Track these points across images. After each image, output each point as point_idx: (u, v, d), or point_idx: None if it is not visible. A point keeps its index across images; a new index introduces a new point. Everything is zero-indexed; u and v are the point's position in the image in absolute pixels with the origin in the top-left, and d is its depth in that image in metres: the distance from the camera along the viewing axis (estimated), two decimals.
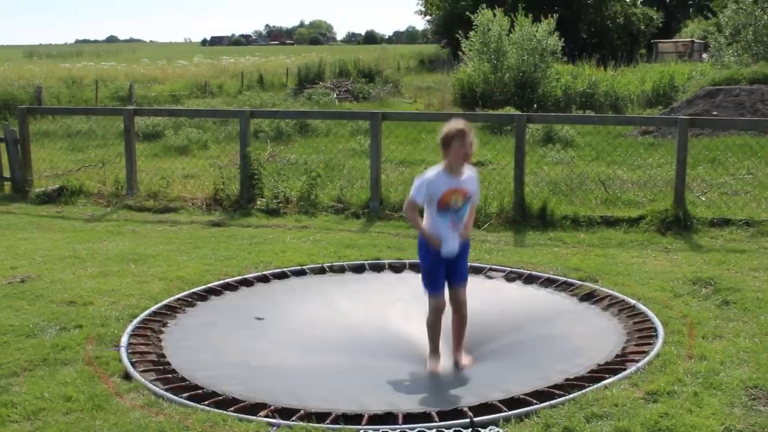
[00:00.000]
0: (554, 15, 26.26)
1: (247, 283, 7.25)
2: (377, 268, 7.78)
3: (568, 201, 10.43)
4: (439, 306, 5.44)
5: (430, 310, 5.45)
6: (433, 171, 5.33)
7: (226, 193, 10.99)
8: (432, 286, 5.45)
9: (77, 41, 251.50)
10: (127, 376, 5.12)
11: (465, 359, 5.44)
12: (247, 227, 9.70)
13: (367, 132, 14.59)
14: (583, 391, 4.76)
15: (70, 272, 7.55)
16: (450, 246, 5.32)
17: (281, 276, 7.47)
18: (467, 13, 28.94)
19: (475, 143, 5.33)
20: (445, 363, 5.41)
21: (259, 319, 6.36)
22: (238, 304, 6.72)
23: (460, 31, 28.81)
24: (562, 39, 26.57)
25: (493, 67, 25.80)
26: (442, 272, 5.42)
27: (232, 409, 4.62)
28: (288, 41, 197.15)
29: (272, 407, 4.63)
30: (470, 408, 4.58)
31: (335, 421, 4.45)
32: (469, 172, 5.40)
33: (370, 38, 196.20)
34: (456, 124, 5.32)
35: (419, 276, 6.98)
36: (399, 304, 6.71)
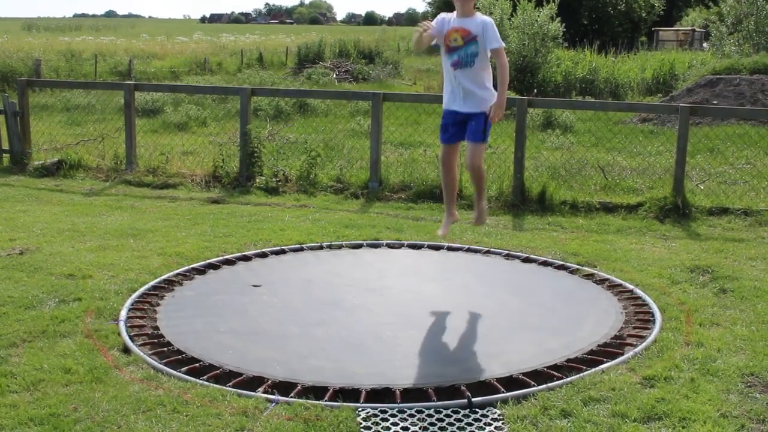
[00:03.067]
0: (556, 0, 26.19)
1: (246, 259, 7.26)
2: (375, 248, 7.80)
3: (567, 186, 10.44)
4: (444, 157, 5.88)
5: (440, 158, 5.96)
6: (441, 16, 5.75)
7: (226, 171, 10.98)
8: (442, 135, 5.90)
9: (76, 15, 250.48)
10: (125, 350, 5.13)
11: (480, 216, 6.14)
12: (246, 205, 9.70)
13: (367, 113, 14.60)
14: (581, 374, 4.79)
15: (69, 245, 7.55)
16: (457, 99, 5.71)
17: (280, 253, 7.49)
18: None
19: None
20: (442, 339, 5.41)
21: (256, 286, 6.40)
22: (236, 277, 6.73)
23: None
24: (564, 24, 26.49)
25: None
26: (454, 128, 5.78)
27: (230, 384, 4.64)
28: (288, 20, 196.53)
29: (270, 381, 4.64)
30: (468, 386, 4.60)
31: (333, 397, 4.47)
32: (481, 17, 5.66)
33: (370, 19, 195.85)
34: None
35: (417, 253, 7.08)
36: (396, 276, 6.79)
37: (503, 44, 5.80)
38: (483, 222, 6.58)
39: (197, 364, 4.92)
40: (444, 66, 5.73)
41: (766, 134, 15.16)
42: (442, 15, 5.78)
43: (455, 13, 5.75)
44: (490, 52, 5.79)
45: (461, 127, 5.79)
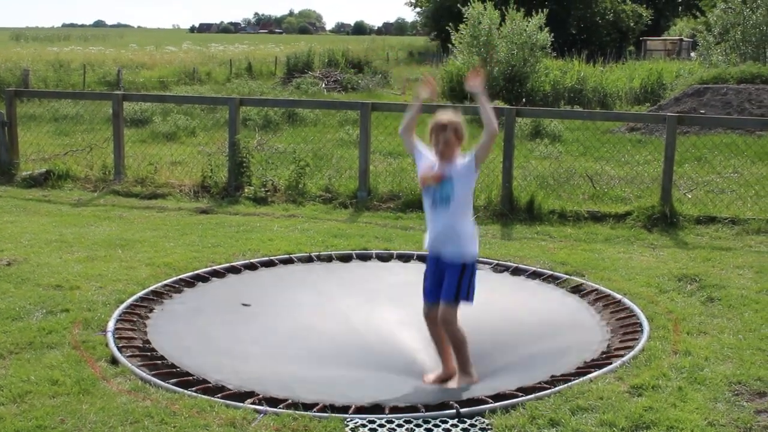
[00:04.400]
0: (544, 10, 26.30)
1: (235, 270, 7.25)
2: (364, 258, 7.80)
3: (555, 195, 10.47)
4: (425, 313, 5.17)
5: None
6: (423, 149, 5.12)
7: (214, 181, 10.97)
8: (423, 291, 5.20)
9: (64, 25, 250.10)
10: (113, 361, 5.12)
11: (459, 381, 5.10)
12: (235, 215, 9.69)
13: (356, 122, 14.59)
14: (569, 384, 4.79)
15: (56, 256, 7.53)
16: (435, 238, 5.05)
17: (269, 264, 7.48)
18: (458, 5, 28.92)
19: (459, 136, 5.02)
20: (431, 364, 5.39)
21: (245, 305, 6.36)
22: (226, 291, 6.71)
23: (450, 24, 28.78)
24: (552, 34, 26.60)
25: (483, 61, 25.78)
26: (428, 280, 5.15)
27: (219, 395, 4.63)
28: (277, 30, 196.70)
29: (260, 395, 4.64)
30: (456, 402, 4.59)
31: (322, 410, 4.46)
32: (460, 160, 5.04)
33: (360, 29, 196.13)
34: (438, 116, 5.07)
35: (406, 266, 6.99)
36: (386, 293, 6.75)
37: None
38: (451, 378, 5.20)
39: (186, 376, 4.90)
40: (424, 203, 5.14)
41: (753, 143, 15.24)
42: (423, 148, 5.13)
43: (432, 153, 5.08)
44: (477, 161, 5.09)
45: (434, 281, 5.10)
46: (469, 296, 5.05)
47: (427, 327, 5.19)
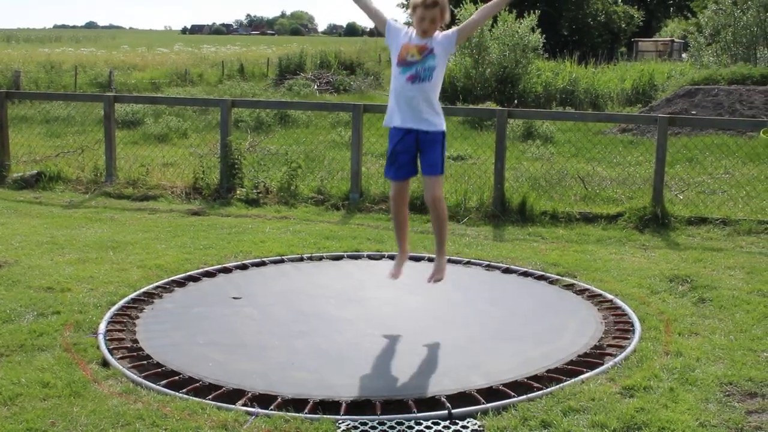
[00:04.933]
0: (536, 11, 26.35)
1: (227, 272, 7.24)
2: (356, 259, 7.80)
3: (547, 197, 10.48)
4: (395, 191, 5.25)
5: (390, 198, 5.31)
6: (401, 25, 5.22)
7: (206, 182, 10.96)
8: (391, 170, 5.28)
9: (56, 26, 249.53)
10: (104, 363, 5.10)
11: (439, 270, 5.32)
12: (227, 217, 9.68)
13: (348, 124, 14.61)
14: (561, 385, 4.79)
15: (48, 258, 7.51)
16: (414, 115, 5.10)
17: (260, 265, 7.47)
18: (450, 7, 28.94)
19: (443, 16, 5.09)
20: (422, 348, 5.41)
21: (235, 298, 6.38)
22: (217, 292, 6.70)
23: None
24: (544, 35, 26.66)
25: (475, 62, 25.84)
26: (405, 157, 5.18)
27: (210, 397, 4.61)
28: (269, 31, 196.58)
29: (250, 394, 4.63)
30: (448, 397, 4.60)
31: (313, 410, 4.46)
32: (441, 33, 5.15)
33: (352, 30, 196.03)
34: None
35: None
36: (376, 288, 6.77)
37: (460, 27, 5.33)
38: (442, 278, 5.61)
39: (177, 377, 4.89)
40: (396, 80, 5.15)
41: (744, 144, 15.29)
42: (404, 26, 5.30)
43: (412, 29, 5.27)
44: (460, 37, 5.28)
45: (412, 156, 5.22)
46: (444, 166, 5.26)
47: (396, 207, 5.31)
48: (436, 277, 5.36)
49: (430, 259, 7.67)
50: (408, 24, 5.24)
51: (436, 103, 5.21)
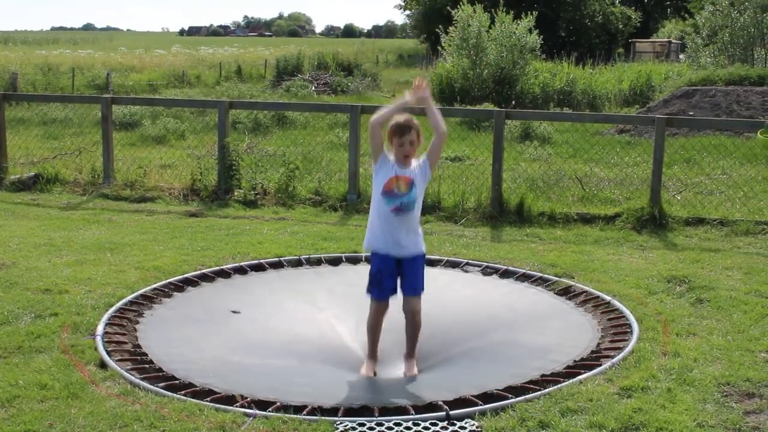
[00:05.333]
0: (534, 12, 26.36)
1: (224, 274, 7.23)
2: (354, 262, 7.79)
3: (545, 197, 10.49)
4: (380, 309, 5.34)
5: (370, 312, 5.37)
6: (388, 155, 5.26)
7: (204, 184, 10.95)
8: (375, 290, 5.34)
9: (53, 28, 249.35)
10: (102, 365, 5.10)
11: (410, 369, 5.30)
12: (225, 218, 9.68)
13: (346, 125, 14.60)
14: (559, 385, 4.80)
15: (45, 260, 7.50)
16: (398, 242, 5.21)
17: (258, 267, 7.46)
18: (447, 8, 28.98)
19: (419, 138, 5.18)
20: (420, 364, 5.41)
21: (235, 312, 6.34)
22: (215, 294, 6.70)
23: (440, 26, 28.82)
24: (541, 36, 26.67)
25: (472, 63, 25.85)
26: (389, 281, 5.29)
27: (208, 399, 4.61)
28: (266, 33, 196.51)
29: (248, 399, 4.62)
30: (445, 403, 4.60)
31: (312, 412, 4.46)
32: (417, 161, 5.26)
33: (349, 32, 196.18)
34: (397, 118, 5.19)
35: None
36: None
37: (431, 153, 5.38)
38: (413, 374, 5.41)
39: (174, 380, 4.89)
40: (379, 208, 5.22)
41: (742, 145, 15.29)
42: (390, 156, 5.25)
43: (393, 157, 5.24)
44: (431, 164, 5.34)
45: (395, 278, 5.30)
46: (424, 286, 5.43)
47: (376, 323, 5.37)
48: (412, 373, 5.33)
49: (428, 262, 7.67)
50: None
51: (417, 226, 5.39)
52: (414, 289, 5.32)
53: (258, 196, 10.57)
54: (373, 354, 5.34)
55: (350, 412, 4.50)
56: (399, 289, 5.36)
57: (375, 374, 5.28)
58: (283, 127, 18.83)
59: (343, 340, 5.79)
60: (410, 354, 5.37)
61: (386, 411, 4.50)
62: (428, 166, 5.28)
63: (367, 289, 5.39)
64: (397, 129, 5.13)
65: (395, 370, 5.29)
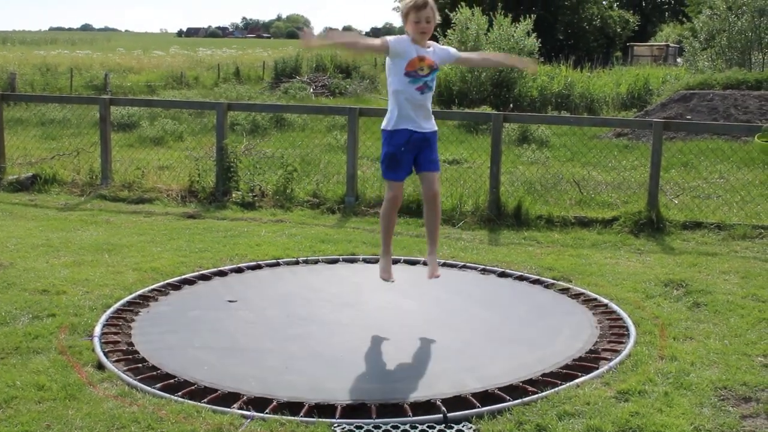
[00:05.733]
0: (532, 15, 26.39)
1: (222, 275, 7.24)
2: (351, 262, 7.80)
3: (542, 201, 10.50)
4: (397, 194, 5.58)
5: (385, 200, 5.57)
6: (401, 37, 5.49)
7: (202, 185, 10.95)
8: (391, 172, 5.55)
9: (51, 29, 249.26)
10: (100, 366, 5.10)
11: (436, 269, 5.67)
12: (223, 220, 9.68)
13: (344, 127, 14.60)
14: (556, 389, 4.80)
15: (43, 261, 7.50)
16: (420, 120, 5.49)
17: (256, 269, 7.47)
18: (445, 11, 29.00)
19: (435, 16, 5.40)
20: (417, 350, 5.42)
21: (231, 301, 6.38)
22: (212, 295, 6.70)
23: (437, 29, 28.82)
24: (539, 40, 26.70)
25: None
26: (406, 159, 5.48)
27: (205, 400, 4.61)
28: (265, 35, 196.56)
29: (245, 398, 4.63)
30: (443, 400, 4.60)
31: (309, 413, 4.46)
32: (434, 45, 5.55)
33: None
34: None
35: (393, 268, 6.98)
36: (372, 292, 6.77)
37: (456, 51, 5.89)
38: (437, 275, 5.91)
39: (172, 381, 4.89)
40: (402, 89, 5.47)
41: (739, 149, 15.30)
42: (404, 38, 5.51)
43: (410, 39, 5.49)
44: (456, 61, 5.89)
45: (413, 157, 5.56)
46: None
47: (393, 209, 5.69)
48: (437, 273, 5.76)
49: (425, 263, 7.68)
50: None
51: (431, 106, 5.75)
52: (433, 162, 5.56)
53: (256, 198, 10.58)
54: (387, 249, 5.52)
55: (347, 410, 4.50)
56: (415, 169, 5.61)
57: (393, 279, 5.67)
58: (281, 129, 18.85)
59: (340, 333, 5.78)
60: (433, 248, 5.67)
61: (384, 413, 4.51)
62: (451, 59, 5.67)
63: (383, 173, 5.59)
64: (413, 6, 5.31)
65: (394, 368, 5.28)
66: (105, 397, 4.61)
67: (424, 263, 7.24)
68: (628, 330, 5.90)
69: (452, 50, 5.78)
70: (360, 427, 4.32)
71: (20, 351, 5.28)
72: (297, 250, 8.14)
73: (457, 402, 4.63)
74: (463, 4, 26.71)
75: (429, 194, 5.59)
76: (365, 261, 7.83)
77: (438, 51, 5.61)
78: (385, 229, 5.58)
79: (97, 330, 5.67)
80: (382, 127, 5.67)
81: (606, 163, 14.35)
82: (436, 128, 5.65)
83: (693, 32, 34.58)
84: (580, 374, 5.06)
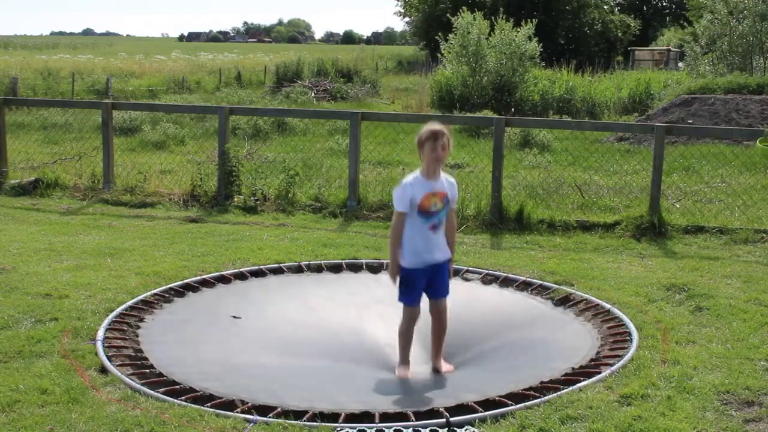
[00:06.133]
0: (533, 20, 26.41)
1: (225, 279, 7.24)
2: (354, 267, 7.79)
3: (544, 205, 10.50)
4: (414, 315, 5.44)
5: (403, 319, 5.42)
6: (410, 177, 5.37)
7: (204, 190, 10.96)
8: (408, 297, 5.42)
9: (53, 33, 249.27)
10: (103, 370, 5.11)
11: (445, 366, 5.46)
12: (225, 224, 9.69)
13: (345, 132, 14.62)
14: (558, 393, 4.80)
15: (45, 265, 7.51)
16: (434, 253, 5.34)
17: (258, 273, 7.47)
18: (447, 15, 29.01)
19: (450, 145, 5.34)
20: (421, 368, 5.43)
21: (236, 317, 6.34)
22: (215, 300, 6.70)
23: (439, 33, 28.86)
24: (541, 44, 26.70)
25: (472, 71, 25.88)
26: (421, 284, 5.39)
27: (209, 404, 4.62)
28: (266, 39, 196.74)
29: (249, 404, 4.63)
30: (446, 409, 4.60)
31: (312, 418, 4.47)
32: (445, 176, 5.43)
33: (349, 38, 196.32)
34: (430, 126, 5.32)
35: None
36: (376, 304, 6.72)
37: None
38: (451, 369, 5.67)
39: (176, 386, 4.89)
40: (416, 228, 5.35)
41: (741, 153, 15.32)
42: (405, 183, 5.40)
43: (417, 174, 5.38)
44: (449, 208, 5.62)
45: (425, 282, 5.45)
46: None
47: (411, 328, 5.45)
48: (449, 369, 5.52)
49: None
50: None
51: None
52: (445, 291, 5.50)
53: (258, 202, 10.58)
54: (405, 360, 5.41)
55: (351, 418, 4.51)
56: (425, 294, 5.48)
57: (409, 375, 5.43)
58: (283, 134, 18.86)
59: (345, 343, 5.79)
60: (439, 354, 5.50)
61: (387, 417, 4.51)
62: (453, 201, 5.47)
63: (399, 297, 5.46)
64: (431, 135, 5.24)
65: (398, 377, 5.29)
66: (108, 401, 4.62)
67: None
68: (630, 334, 5.90)
69: (455, 192, 5.55)
70: (363, 431, 4.32)
71: (23, 355, 5.29)
72: (299, 255, 8.15)
73: (459, 408, 4.64)
74: (464, 8, 26.69)
75: (437, 312, 5.52)
76: (368, 266, 7.82)
77: (448, 185, 5.44)
78: (403, 344, 5.47)
79: (100, 334, 5.68)
80: (399, 262, 5.43)
81: (608, 167, 14.35)
82: (449, 255, 5.52)
83: (694, 36, 34.56)
84: (582, 378, 5.06)
